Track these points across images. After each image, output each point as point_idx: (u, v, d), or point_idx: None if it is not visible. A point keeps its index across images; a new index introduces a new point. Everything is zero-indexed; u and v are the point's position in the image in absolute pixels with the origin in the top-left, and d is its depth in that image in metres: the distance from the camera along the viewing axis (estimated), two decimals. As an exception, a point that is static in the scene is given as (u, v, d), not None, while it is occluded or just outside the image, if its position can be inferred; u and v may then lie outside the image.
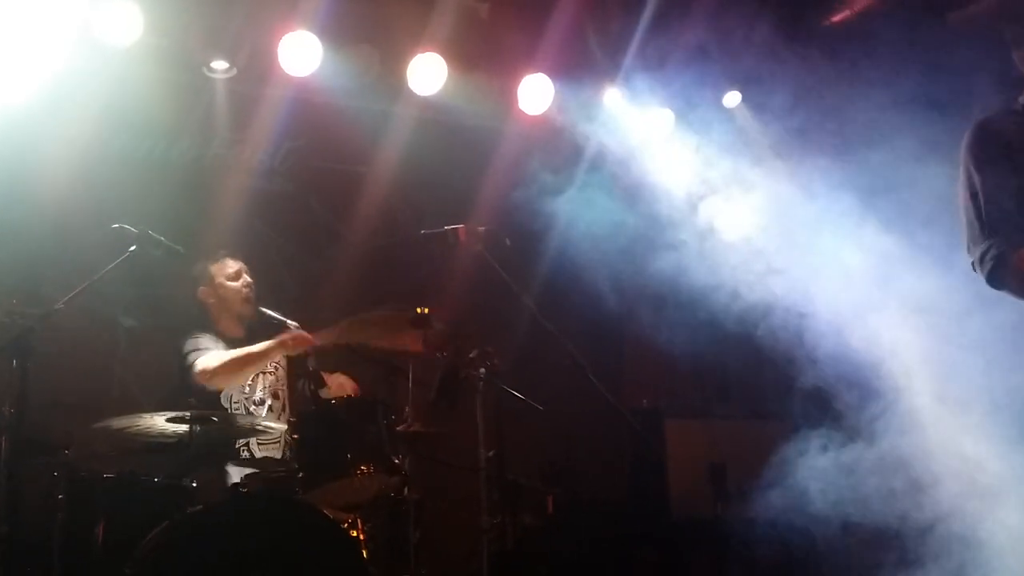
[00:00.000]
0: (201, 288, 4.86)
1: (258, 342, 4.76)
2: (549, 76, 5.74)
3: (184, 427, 3.96)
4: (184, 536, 3.64)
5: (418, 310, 4.48)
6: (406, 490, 4.40)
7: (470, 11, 5.65)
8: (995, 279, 2.98)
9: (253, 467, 4.47)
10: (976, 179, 3.04)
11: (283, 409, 4.82)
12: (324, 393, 4.50)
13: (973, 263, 3.05)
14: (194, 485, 4.01)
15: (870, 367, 4.39)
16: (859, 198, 4.65)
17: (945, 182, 3.46)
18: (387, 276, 5.86)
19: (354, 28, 5.38)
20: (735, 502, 5.48)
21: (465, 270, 5.14)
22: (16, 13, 4.64)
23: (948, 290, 3.89)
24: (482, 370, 4.51)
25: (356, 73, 5.42)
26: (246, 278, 4.85)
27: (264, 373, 4.84)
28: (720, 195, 5.36)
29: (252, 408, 4.72)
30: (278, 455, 4.68)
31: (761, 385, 5.95)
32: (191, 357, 4.52)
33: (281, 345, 4.55)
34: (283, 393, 4.87)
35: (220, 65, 5.20)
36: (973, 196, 3.05)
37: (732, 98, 5.86)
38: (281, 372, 4.91)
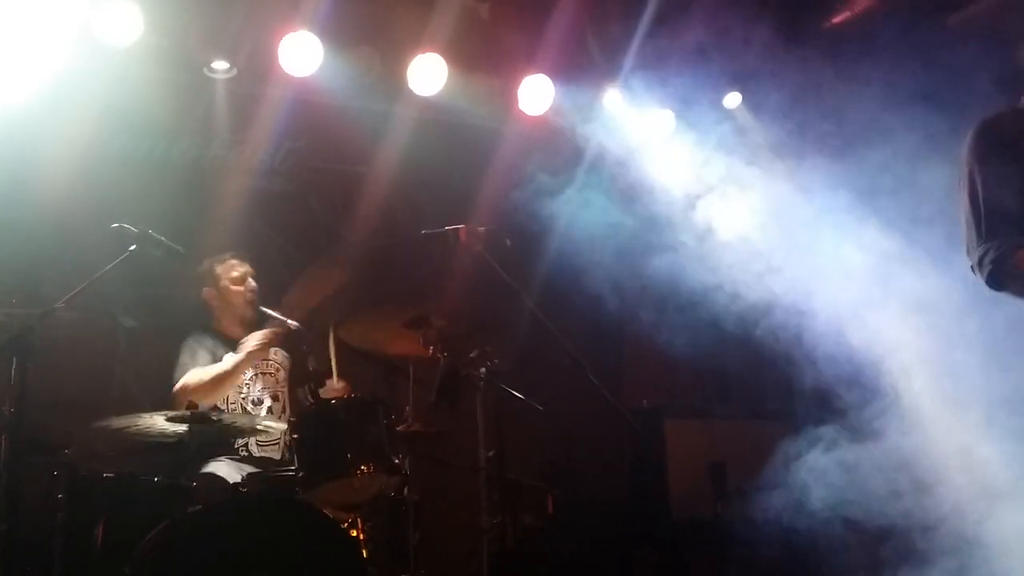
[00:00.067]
0: (205, 289, 4.88)
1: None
2: (549, 77, 5.74)
3: (184, 427, 3.96)
4: (184, 536, 3.64)
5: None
6: (406, 490, 4.41)
7: (470, 12, 5.66)
8: (994, 281, 2.98)
9: (253, 466, 4.48)
10: (978, 179, 3.04)
11: (283, 411, 4.83)
12: (323, 392, 4.51)
13: (972, 266, 3.06)
14: (194, 485, 4.02)
15: (870, 366, 4.40)
16: (859, 198, 4.65)
17: (945, 182, 3.47)
18: (387, 276, 5.85)
19: (355, 28, 5.38)
20: (735, 502, 5.48)
21: (465, 270, 5.13)
22: (16, 13, 4.64)
23: (948, 289, 3.90)
24: (482, 370, 4.52)
25: (356, 73, 5.42)
26: (251, 282, 4.87)
27: (264, 374, 4.85)
28: (720, 195, 5.36)
29: (249, 408, 4.73)
30: (277, 456, 4.68)
31: (761, 385, 5.96)
32: (176, 374, 4.57)
33: (249, 356, 4.58)
34: (283, 395, 4.87)
35: (220, 65, 5.21)
36: (973, 198, 3.05)
37: (732, 99, 5.86)
38: (282, 374, 4.92)
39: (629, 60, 5.66)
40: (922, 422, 4.17)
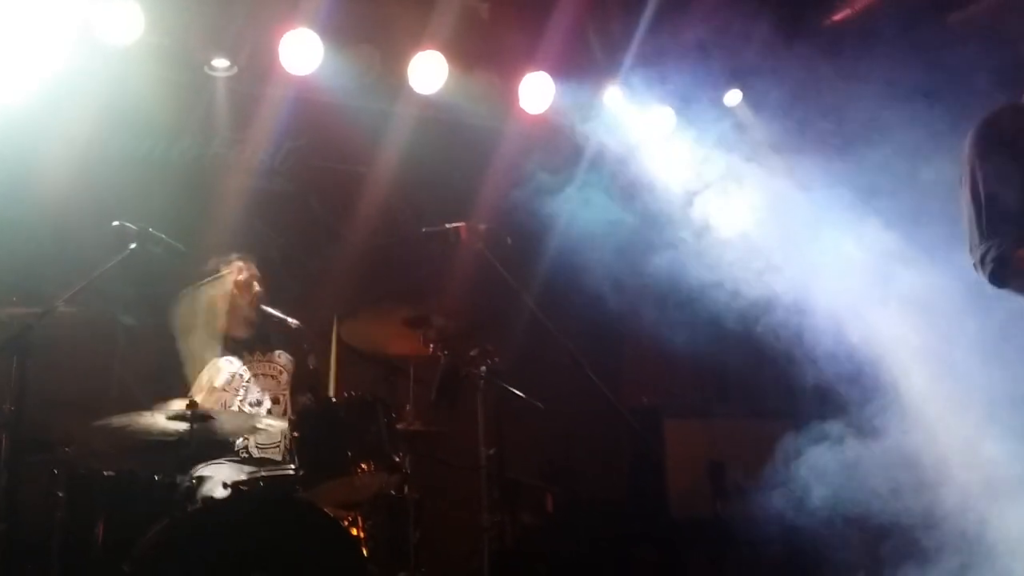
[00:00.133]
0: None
1: (261, 340, 4.85)
2: (550, 75, 5.74)
3: (184, 425, 3.96)
4: (184, 534, 3.64)
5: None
6: (406, 488, 4.40)
7: (471, 10, 5.66)
8: (996, 280, 2.98)
9: (252, 466, 4.47)
10: (979, 177, 3.04)
11: (283, 413, 4.80)
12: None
13: (975, 264, 3.06)
14: (194, 483, 4.01)
15: (870, 364, 4.40)
16: (859, 196, 4.65)
17: (945, 179, 3.46)
18: (387, 275, 5.86)
19: (355, 27, 5.38)
20: (734, 501, 5.48)
21: (466, 269, 5.14)
22: (16, 13, 4.63)
23: (947, 287, 3.90)
24: (482, 368, 4.52)
25: (357, 72, 5.42)
26: (255, 286, 4.86)
27: (263, 375, 4.83)
28: (720, 193, 5.35)
29: (247, 410, 4.71)
30: (277, 458, 4.67)
31: (760, 384, 5.95)
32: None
33: None
34: (284, 397, 4.86)
35: (221, 64, 5.21)
36: (975, 195, 3.05)
37: (733, 96, 5.86)
38: (285, 377, 4.90)
39: (630, 58, 5.66)
40: (922, 419, 4.17)
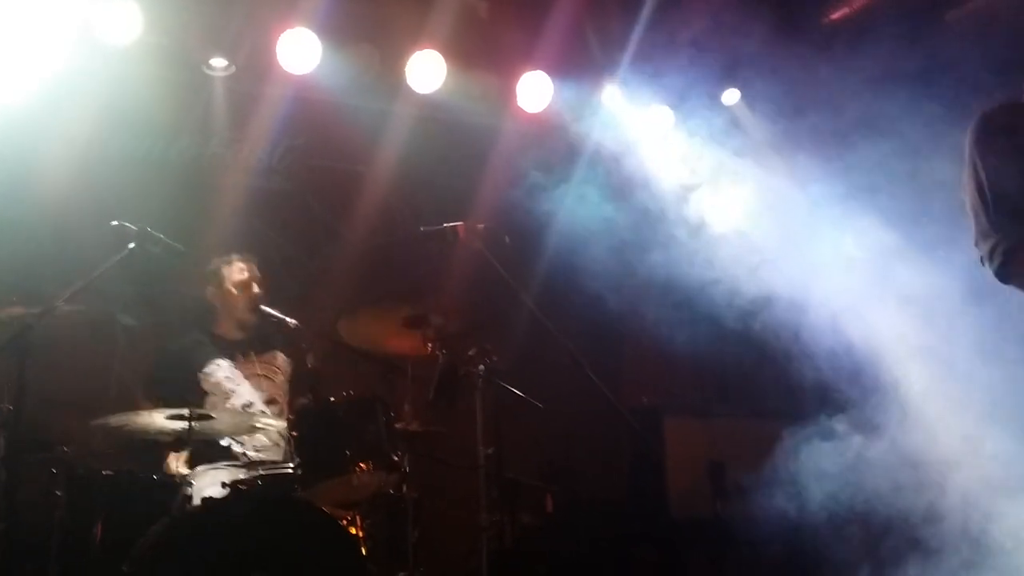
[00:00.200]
0: (209, 288, 4.87)
1: (259, 341, 4.84)
2: (548, 74, 5.74)
3: (183, 424, 3.96)
4: (183, 534, 3.64)
5: None
6: (405, 488, 4.39)
7: (469, 9, 5.66)
8: (1005, 274, 2.97)
9: (252, 466, 4.46)
10: (982, 172, 3.03)
11: (280, 414, 4.79)
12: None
13: (981, 257, 3.05)
14: (193, 483, 4.01)
15: (870, 363, 4.39)
16: (857, 193, 4.65)
17: (943, 176, 3.46)
18: (386, 274, 5.85)
19: (353, 26, 5.38)
20: (734, 501, 5.47)
21: (464, 268, 5.13)
22: (16, 13, 4.64)
23: (947, 285, 3.89)
24: (481, 368, 4.51)
25: (355, 71, 5.42)
26: (255, 288, 4.85)
27: (258, 376, 4.82)
28: (718, 192, 5.35)
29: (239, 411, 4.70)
30: (277, 459, 4.65)
31: (760, 383, 5.95)
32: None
33: None
34: (281, 399, 4.85)
35: (219, 63, 5.21)
36: (979, 189, 3.04)
37: (731, 95, 5.86)
38: (281, 378, 4.89)
39: (628, 56, 5.66)
40: (923, 418, 4.17)
